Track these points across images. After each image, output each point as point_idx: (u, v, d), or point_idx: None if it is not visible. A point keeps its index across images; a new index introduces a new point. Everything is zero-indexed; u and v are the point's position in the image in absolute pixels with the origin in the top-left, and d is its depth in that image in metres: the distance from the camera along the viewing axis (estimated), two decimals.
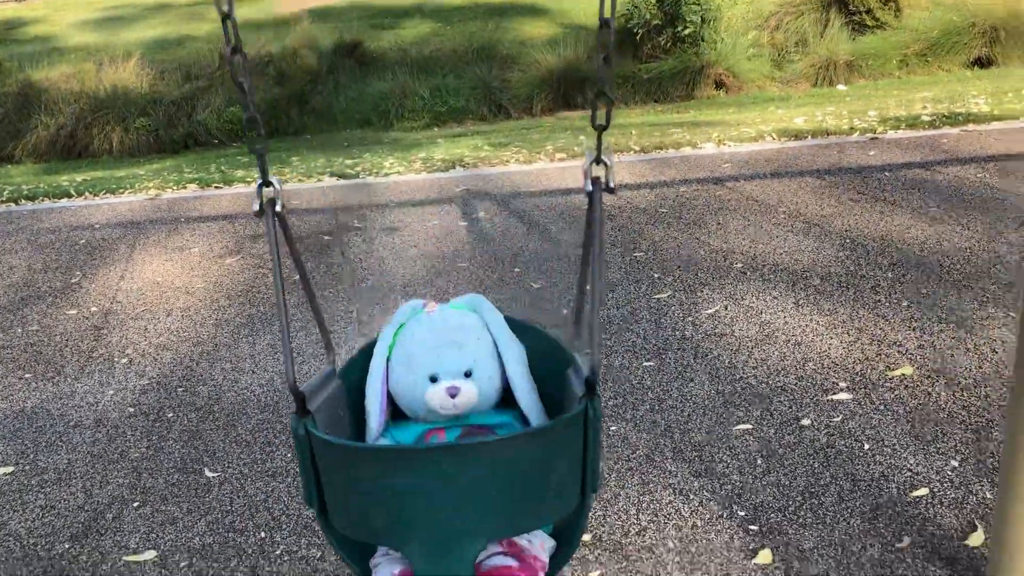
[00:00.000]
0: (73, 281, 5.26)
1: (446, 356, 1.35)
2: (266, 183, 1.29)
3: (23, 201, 7.49)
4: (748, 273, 4.49)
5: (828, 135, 7.11)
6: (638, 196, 5.87)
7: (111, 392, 3.87)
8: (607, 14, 1.22)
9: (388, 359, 1.41)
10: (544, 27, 13.80)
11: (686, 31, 11.69)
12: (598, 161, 1.27)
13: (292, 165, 8.24)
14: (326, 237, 5.64)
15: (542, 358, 1.45)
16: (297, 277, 1.42)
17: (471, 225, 5.63)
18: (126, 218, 6.50)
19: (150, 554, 2.78)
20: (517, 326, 1.47)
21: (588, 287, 1.28)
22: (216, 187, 7.38)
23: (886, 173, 5.85)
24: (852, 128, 7.23)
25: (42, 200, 7.47)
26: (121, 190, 7.54)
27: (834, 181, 5.78)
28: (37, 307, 4.91)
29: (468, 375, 1.36)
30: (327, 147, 10.04)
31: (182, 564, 2.72)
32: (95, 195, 7.46)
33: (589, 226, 1.27)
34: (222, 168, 8.75)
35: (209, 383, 3.87)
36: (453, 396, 1.34)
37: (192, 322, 4.54)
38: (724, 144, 7.12)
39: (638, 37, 12.06)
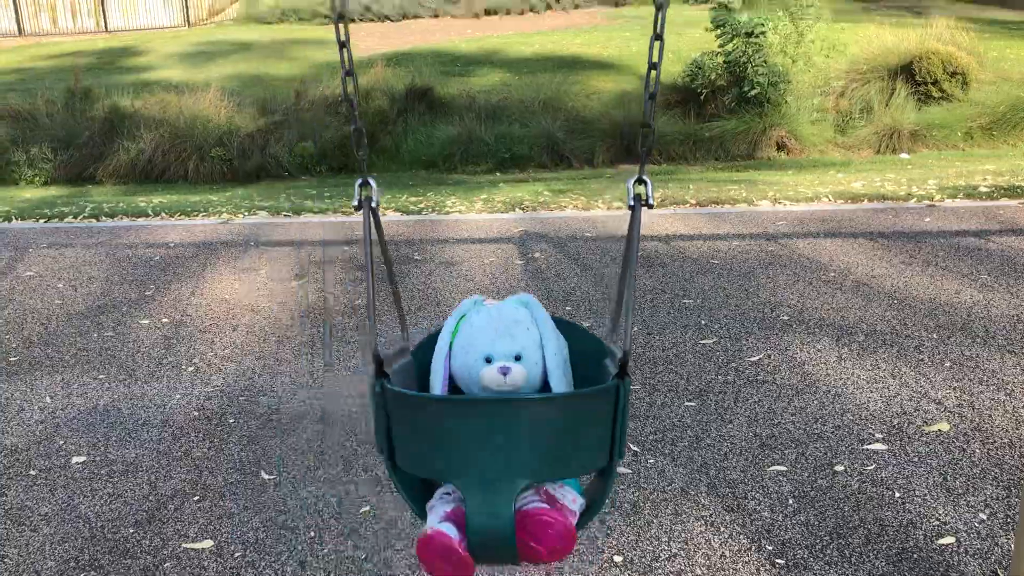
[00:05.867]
0: (147, 294, 5.55)
1: (500, 342, 1.56)
2: (365, 183, 1.56)
3: (103, 218, 7.88)
4: (794, 326, 4.59)
5: (885, 200, 7.19)
6: (691, 247, 6.01)
7: (178, 396, 4.10)
8: (654, 59, 1.49)
9: (451, 344, 1.61)
10: (611, 81, 14.08)
11: (752, 92, 11.86)
12: (640, 180, 1.51)
13: None
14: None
15: (583, 352, 1.67)
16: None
17: (527, 264, 5.82)
18: (199, 239, 6.83)
19: (207, 543, 2.97)
20: (563, 324, 1.68)
21: (625, 288, 1.52)
22: (285, 215, 7.70)
23: (940, 239, 5.91)
24: (910, 194, 7.30)
25: (121, 218, 7.85)
26: (195, 213, 7.90)
27: (887, 244, 5.86)
28: (112, 315, 5.20)
29: (518, 359, 1.56)
30: (392, 185, 10.36)
31: (236, 554, 2.90)
32: (171, 216, 7.82)
33: (629, 236, 1.51)
34: (291, 198, 9.09)
35: (269, 394, 4.09)
36: (504, 374, 1.53)
37: (256, 338, 4.77)
38: (780, 203, 7.24)
39: (702, 97, 12.26)
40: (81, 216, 7.96)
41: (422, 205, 7.83)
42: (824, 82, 12.72)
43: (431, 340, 1.68)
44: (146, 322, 5.08)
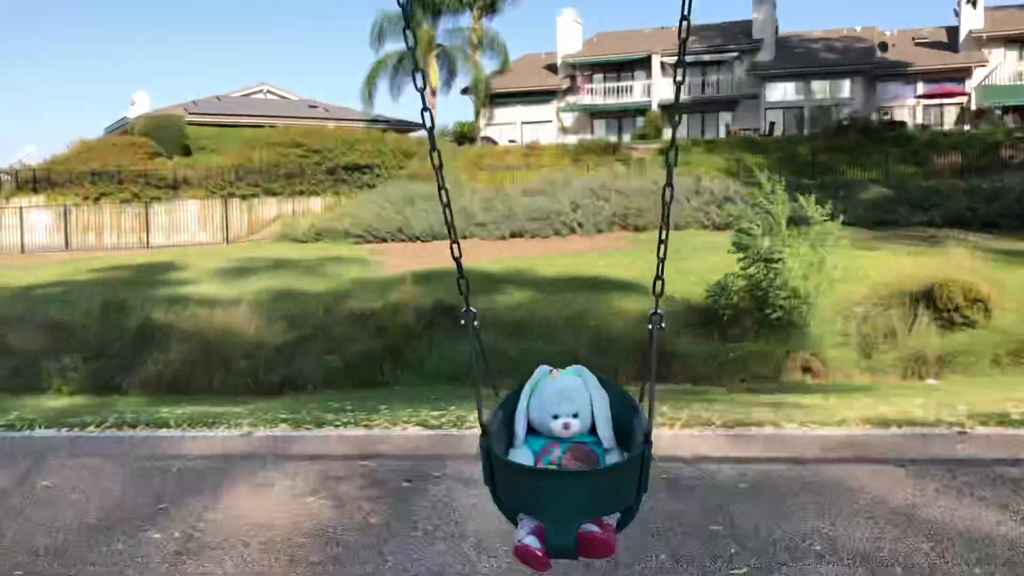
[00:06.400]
0: (160, 506, 5.43)
1: (563, 405, 2.32)
2: (468, 310, 2.44)
3: (125, 428, 7.86)
4: (827, 556, 4.38)
5: (914, 425, 7.05)
6: (717, 471, 5.86)
7: None
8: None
9: (528, 403, 2.38)
10: (634, 302, 14.35)
11: (774, 315, 12.00)
12: (655, 313, 2.37)
13: (380, 412, 8.52)
14: (405, 483, 5.75)
15: (619, 402, 2.43)
16: None
17: None
18: (217, 451, 6.76)
19: None
20: (605, 382, 2.42)
21: (648, 382, 2.31)
22: (306, 428, 7.64)
23: (974, 468, 5.74)
24: (939, 420, 7.16)
25: (142, 428, 7.83)
26: (216, 425, 7.87)
27: (919, 471, 5.70)
28: (124, 528, 5.08)
29: (575, 416, 2.31)
30: (415, 399, 10.37)
31: None
32: (191, 427, 7.79)
33: (650, 344, 2.34)
34: (314, 411, 9.08)
35: None
36: (567, 428, 2.31)
37: (267, 556, 4.62)
38: (807, 426, 7.12)
39: (724, 318, 12.42)
40: (103, 425, 7.95)
41: (443, 419, 7.78)
42: (846, 307, 12.90)
43: (512, 396, 2.46)
44: (157, 536, 4.94)
